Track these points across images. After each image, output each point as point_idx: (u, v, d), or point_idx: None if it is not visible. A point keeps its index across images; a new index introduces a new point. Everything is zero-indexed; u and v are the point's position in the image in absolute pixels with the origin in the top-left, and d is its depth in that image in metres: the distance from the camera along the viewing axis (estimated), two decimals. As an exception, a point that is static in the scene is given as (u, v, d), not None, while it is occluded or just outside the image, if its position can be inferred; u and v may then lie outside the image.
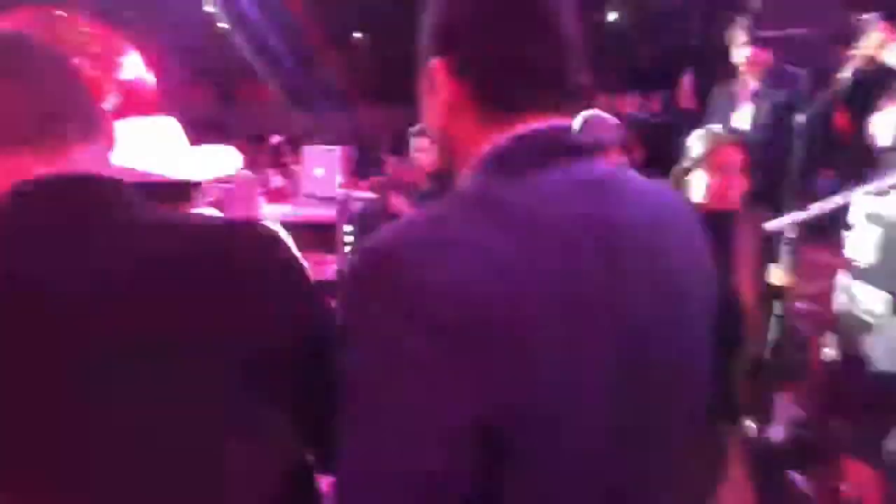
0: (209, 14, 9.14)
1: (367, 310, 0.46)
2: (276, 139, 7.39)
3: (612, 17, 9.66)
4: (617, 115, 3.35)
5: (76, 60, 0.80)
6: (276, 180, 4.63)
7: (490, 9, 0.54)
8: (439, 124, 0.57)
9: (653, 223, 0.54)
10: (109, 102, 0.91)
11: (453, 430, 0.44)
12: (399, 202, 2.83)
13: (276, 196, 3.84)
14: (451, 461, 0.44)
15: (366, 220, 2.84)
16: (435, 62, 0.55)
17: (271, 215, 2.93)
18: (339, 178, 2.97)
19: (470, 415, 0.44)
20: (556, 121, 0.54)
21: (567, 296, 0.46)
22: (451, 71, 0.54)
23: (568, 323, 0.46)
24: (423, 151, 2.78)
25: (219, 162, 1.01)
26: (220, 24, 9.23)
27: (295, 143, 6.49)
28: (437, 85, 0.55)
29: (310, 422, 0.55)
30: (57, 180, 0.53)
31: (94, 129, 0.59)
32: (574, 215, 0.49)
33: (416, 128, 2.74)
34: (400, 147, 3.74)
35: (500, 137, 0.53)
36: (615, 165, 0.66)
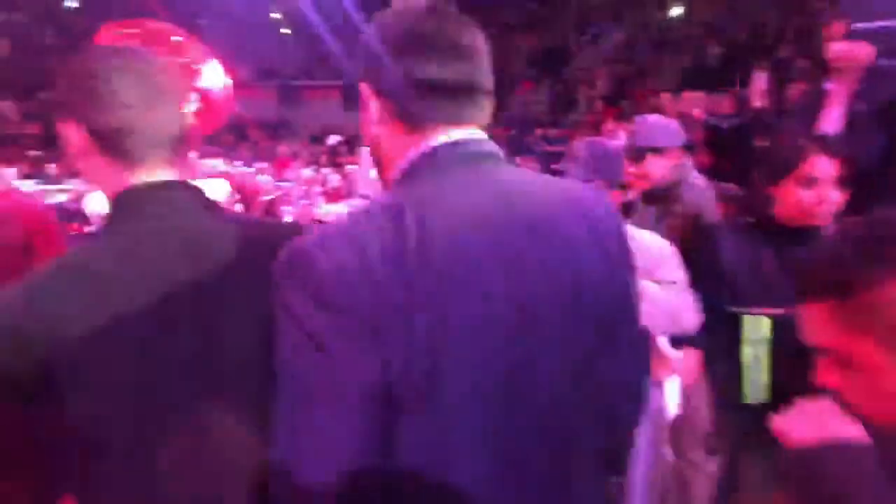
0: (275, 19, 9.49)
1: (284, 296, 0.56)
2: (333, 139, 7.57)
3: (675, 12, 9.27)
4: (681, 116, 3.21)
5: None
6: (334, 180, 4.73)
7: (399, 38, 0.62)
8: (372, 139, 0.66)
9: (541, 218, 0.62)
10: (189, 108, 0.95)
11: (354, 395, 0.53)
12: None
13: (333, 196, 3.92)
14: (350, 423, 0.53)
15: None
16: (362, 84, 0.65)
17: (328, 215, 2.98)
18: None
19: (369, 382, 0.53)
20: (466, 133, 0.63)
21: (453, 278, 0.56)
22: (374, 92, 0.63)
23: (450, 299, 0.55)
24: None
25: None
26: (283, 30, 9.56)
27: (352, 144, 6.62)
28: (366, 104, 0.65)
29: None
30: (156, 186, 0.68)
31: (188, 149, 0.71)
32: (464, 214, 0.58)
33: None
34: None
35: (415, 150, 0.62)
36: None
